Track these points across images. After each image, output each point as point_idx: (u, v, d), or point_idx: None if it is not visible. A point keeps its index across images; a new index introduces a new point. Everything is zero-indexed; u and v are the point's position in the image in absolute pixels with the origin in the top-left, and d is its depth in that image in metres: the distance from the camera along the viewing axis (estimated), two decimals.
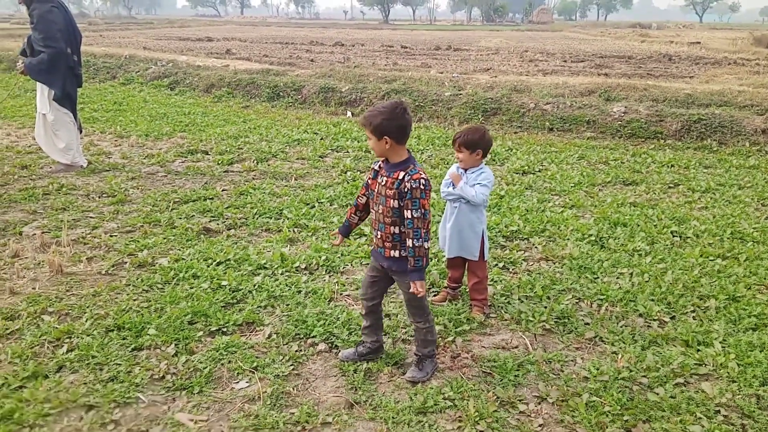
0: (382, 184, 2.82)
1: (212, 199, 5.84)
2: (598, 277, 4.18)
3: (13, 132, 8.67)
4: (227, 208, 5.57)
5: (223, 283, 3.98)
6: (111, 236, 4.83)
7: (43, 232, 4.83)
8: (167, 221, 5.15)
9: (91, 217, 5.29)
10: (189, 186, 6.28)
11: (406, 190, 2.72)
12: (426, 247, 2.77)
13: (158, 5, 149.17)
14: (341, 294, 3.94)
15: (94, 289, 3.89)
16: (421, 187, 2.72)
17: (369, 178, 2.95)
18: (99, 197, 5.84)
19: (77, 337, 3.30)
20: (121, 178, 6.47)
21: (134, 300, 3.75)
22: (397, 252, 2.84)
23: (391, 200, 2.77)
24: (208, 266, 4.26)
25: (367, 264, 4.39)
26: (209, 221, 5.24)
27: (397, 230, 2.81)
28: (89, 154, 7.30)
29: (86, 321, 3.46)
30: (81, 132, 7.07)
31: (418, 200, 2.72)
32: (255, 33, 37.68)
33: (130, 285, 3.97)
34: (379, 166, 2.89)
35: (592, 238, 4.88)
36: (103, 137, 8.48)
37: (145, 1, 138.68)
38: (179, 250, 4.57)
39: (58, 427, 2.64)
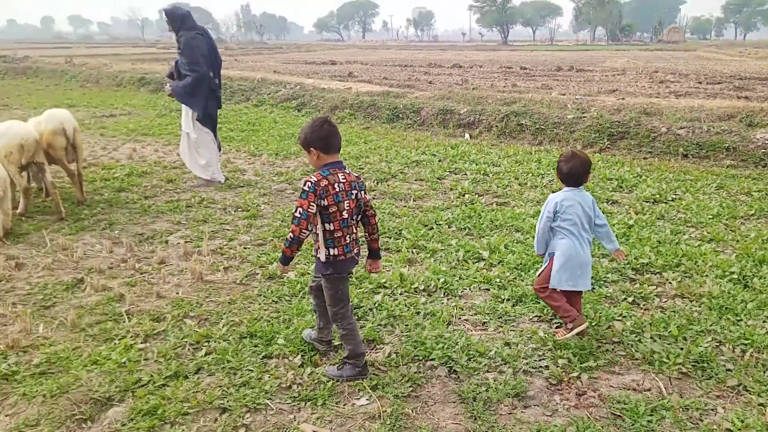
0: None
1: None
2: (741, 320, 3.83)
3: (160, 148, 9.58)
4: None
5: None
6: (245, 248, 5.16)
7: (186, 242, 5.27)
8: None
9: (227, 229, 5.69)
10: None
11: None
12: (286, 238, 3.09)
13: (287, 31, 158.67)
14: (459, 318, 3.93)
15: (230, 298, 4.17)
16: (302, 187, 3.03)
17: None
18: (234, 211, 6.27)
19: (215, 342, 3.55)
20: (254, 194, 6.91)
21: (265, 310, 3.98)
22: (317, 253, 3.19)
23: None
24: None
25: (487, 289, 4.36)
26: None
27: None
28: (226, 171, 7.87)
29: (223, 327, 3.72)
30: (220, 150, 7.66)
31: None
32: (375, 56, 38.89)
33: (261, 295, 4.21)
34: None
35: (735, 276, 4.48)
36: (239, 155, 9.11)
37: (276, 27, 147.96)
38: (305, 265, 4.79)
39: (195, 427, 2.84)
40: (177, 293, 4.26)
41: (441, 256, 4.98)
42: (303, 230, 3.02)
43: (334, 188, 3.04)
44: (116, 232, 5.54)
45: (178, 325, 3.78)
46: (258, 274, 4.62)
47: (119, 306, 4.02)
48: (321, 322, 3.44)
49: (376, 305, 4.04)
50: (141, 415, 2.86)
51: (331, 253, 3.09)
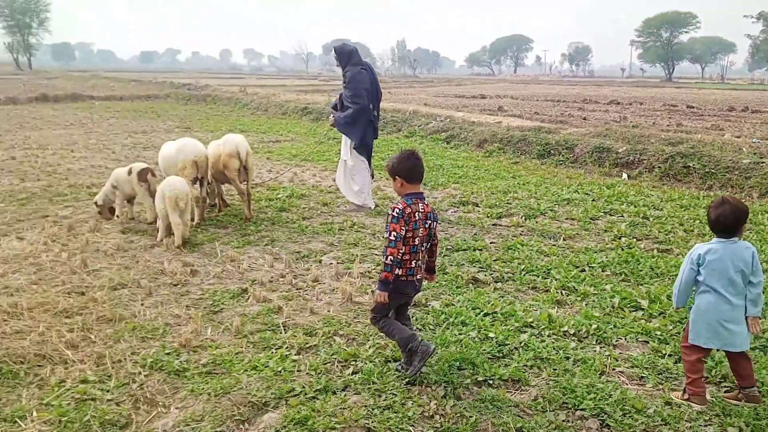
0: None
1: (481, 250, 6.02)
2: None
3: (318, 173, 10.21)
4: (495, 260, 5.68)
5: (490, 335, 4.04)
6: None
7: (338, 263, 5.53)
8: (440, 266, 5.46)
9: (375, 254, 5.89)
10: (460, 235, 6.58)
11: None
12: (384, 262, 3.34)
13: (439, 65, 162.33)
14: (614, 369, 3.68)
15: None
16: (392, 213, 3.35)
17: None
18: (383, 238, 6.48)
19: (361, 362, 3.66)
20: None
21: None
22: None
23: None
24: (476, 315, 4.37)
25: (645, 341, 4.06)
26: (478, 271, 5.40)
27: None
28: (377, 198, 8.17)
29: (369, 348, 3.83)
30: (372, 177, 7.99)
31: (388, 224, 3.37)
32: (526, 91, 38.41)
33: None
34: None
35: None
36: (388, 184, 9.42)
37: (428, 61, 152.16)
38: (450, 295, 4.80)
39: None
40: (328, 311, 4.47)
41: (593, 301, 4.73)
42: (399, 251, 3.33)
43: (414, 216, 3.38)
44: (277, 248, 5.97)
45: (329, 342, 3.95)
46: None
47: (277, 317, 4.30)
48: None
49: (522, 344, 3.93)
50: (293, 423, 3.02)
51: (396, 273, 3.38)
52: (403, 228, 3.32)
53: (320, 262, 5.65)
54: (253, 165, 7.18)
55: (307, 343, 3.91)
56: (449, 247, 6.10)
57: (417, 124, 15.71)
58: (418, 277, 3.52)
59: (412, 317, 4.35)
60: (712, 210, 3.29)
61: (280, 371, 3.51)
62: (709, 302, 3.25)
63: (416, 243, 3.40)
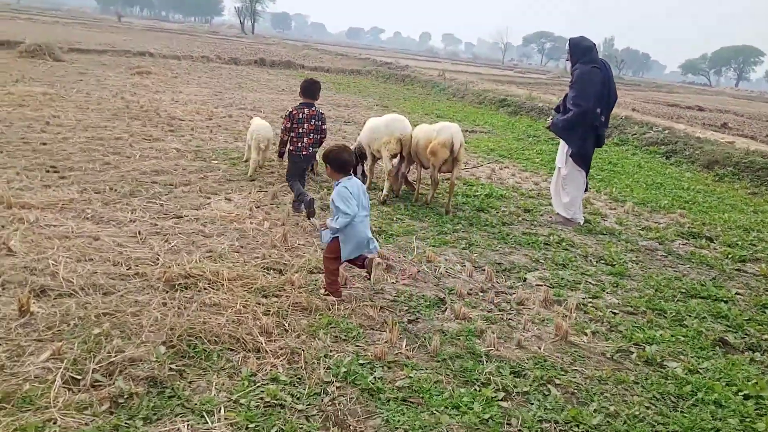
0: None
1: (725, 301, 4.88)
2: None
3: (517, 173, 9.42)
4: (747, 320, 4.54)
5: (759, 430, 3.07)
6: (613, 313, 4.44)
7: (545, 286, 4.80)
8: (674, 315, 4.48)
9: (590, 282, 5.04)
10: (694, 276, 5.46)
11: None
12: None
13: (647, 69, 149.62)
14: None
15: (600, 374, 3.51)
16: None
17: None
18: (597, 262, 5.58)
19: (584, 428, 2.93)
20: (619, 247, 6.10)
21: (646, 407, 3.20)
22: None
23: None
24: (734, 395, 3.40)
25: None
26: (725, 331, 4.33)
27: None
28: (585, 212, 7.21)
29: (594, 413, 3.08)
30: (586, 191, 7.05)
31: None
32: (751, 108, 33.38)
33: (638, 383, 3.45)
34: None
35: None
36: (598, 197, 8.37)
37: (636, 63, 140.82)
38: (692, 357, 3.84)
39: None
40: (539, 347, 3.79)
41: None
42: (287, 136, 6.23)
43: (298, 116, 6.09)
44: (476, 255, 5.39)
45: (542, 391, 3.28)
46: (633, 353, 3.85)
47: (479, 343, 3.72)
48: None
49: None
50: None
51: (289, 148, 6.27)
52: (289, 122, 6.06)
53: (524, 280, 4.96)
54: (463, 158, 6.65)
55: (515, 387, 3.27)
56: (683, 290, 5.03)
57: (630, 132, 14.10)
58: (304, 153, 6.11)
59: (645, 378, 3.51)
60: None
61: (487, 420, 2.92)
62: None
63: (300, 132, 6.04)
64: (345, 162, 4.14)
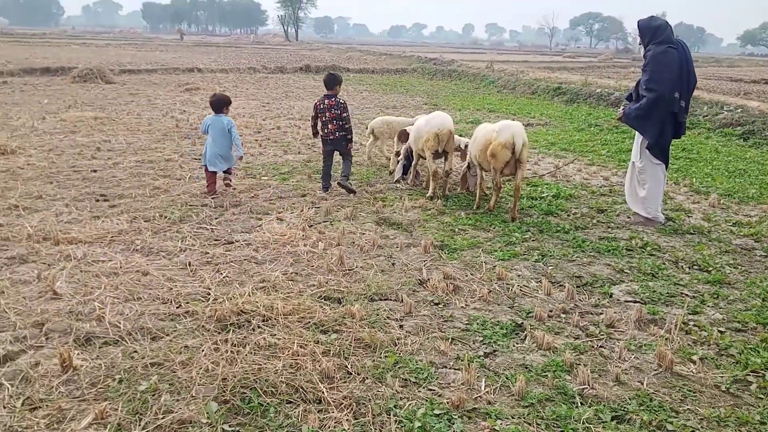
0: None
1: None
2: None
3: (583, 168, 8.77)
4: None
5: None
6: (720, 332, 3.85)
7: (637, 302, 4.24)
8: None
9: (686, 294, 4.44)
10: None
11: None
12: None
13: (702, 42, 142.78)
14: None
15: (718, 413, 2.97)
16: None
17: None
18: (689, 269, 4.97)
19: None
20: (713, 249, 5.44)
21: None
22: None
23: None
24: None
25: None
26: None
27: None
28: (665, 208, 6.55)
29: None
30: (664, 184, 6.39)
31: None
32: None
33: (765, 423, 2.89)
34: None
35: None
36: (677, 189, 7.65)
37: (690, 38, 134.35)
38: None
39: None
40: (640, 382, 3.26)
41: None
42: (314, 122, 7.16)
43: (320, 106, 6.87)
44: (551, 268, 4.87)
45: None
46: (752, 383, 3.27)
47: (570, 381, 3.23)
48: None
49: None
50: None
51: (318, 131, 7.18)
52: (314, 112, 6.93)
53: (610, 296, 4.41)
54: (527, 159, 6.13)
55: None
56: None
57: (700, 113, 13.10)
58: (331, 137, 6.84)
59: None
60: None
61: None
62: None
63: (324, 120, 6.81)
64: (211, 104, 6.88)
